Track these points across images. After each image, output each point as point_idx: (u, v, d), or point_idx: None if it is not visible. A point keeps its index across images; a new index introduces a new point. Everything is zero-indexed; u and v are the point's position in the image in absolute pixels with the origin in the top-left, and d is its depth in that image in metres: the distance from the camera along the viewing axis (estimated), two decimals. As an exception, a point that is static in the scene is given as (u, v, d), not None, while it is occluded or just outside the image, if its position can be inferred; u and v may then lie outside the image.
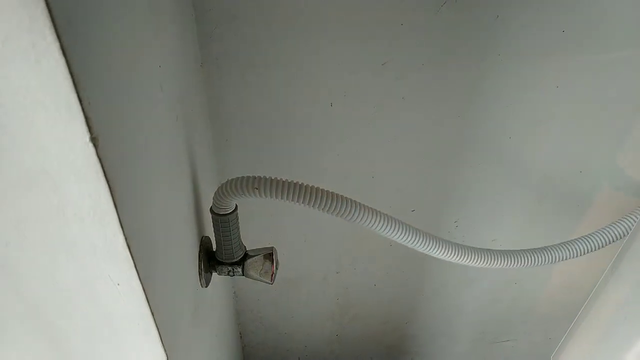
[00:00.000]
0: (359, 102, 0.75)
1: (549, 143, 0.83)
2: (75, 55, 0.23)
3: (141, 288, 0.34)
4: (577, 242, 0.68)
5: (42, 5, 0.21)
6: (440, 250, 0.60)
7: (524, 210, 0.94)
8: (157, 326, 0.37)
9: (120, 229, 0.29)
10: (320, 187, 0.52)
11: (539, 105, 0.78)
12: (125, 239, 0.30)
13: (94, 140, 0.25)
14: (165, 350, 0.40)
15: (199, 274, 0.58)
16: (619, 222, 0.68)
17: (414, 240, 0.57)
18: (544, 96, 0.77)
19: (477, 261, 0.63)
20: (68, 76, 0.23)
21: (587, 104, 0.78)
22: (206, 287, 0.61)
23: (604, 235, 0.68)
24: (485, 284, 1.10)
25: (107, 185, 0.27)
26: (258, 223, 0.91)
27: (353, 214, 0.53)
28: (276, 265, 0.61)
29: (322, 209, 0.52)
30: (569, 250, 0.68)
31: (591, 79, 0.75)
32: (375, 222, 0.54)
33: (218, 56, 0.68)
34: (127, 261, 0.31)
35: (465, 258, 0.62)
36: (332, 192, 0.53)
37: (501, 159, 0.86)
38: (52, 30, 0.21)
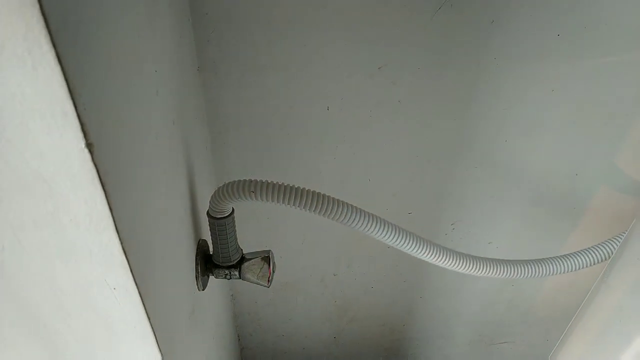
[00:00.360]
0: (356, 105, 0.75)
1: (545, 146, 0.84)
2: (71, 62, 0.23)
3: (137, 292, 0.34)
4: (574, 256, 0.68)
5: (38, 13, 0.21)
6: (435, 256, 0.60)
7: (521, 213, 0.94)
8: (153, 330, 0.38)
9: (116, 234, 0.30)
10: (317, 191, 0.52)
11: (534, 109, 0.78)
12: (121, 243, 0.30)
13: (89, 146, 0.25)
14: (162, 354, 0.40)
15: (196, 278, 0.58)
16: (611, 241, 0.67)
17: (409, 246, 0.57)
18: (540, 99, 0.77)
19: (471, 269, 0.63)
20: (64, 83, 0.23)
21: (583, 107, 0.78)
22: (203, 290, 0.61)
23: (599, 251, 0.67)
24: (482, 286, 1.10)
25: (102, 191, 0.27)
26: (255, 225, 0.91)
27: (349, 218, 0.53)
28: (273, 268, 0.61)
29: (319, 213, 0.52)
30: (564, 265, 0.68)
31: (587, 82, 0.75)
32: (371, 226, 0.54)
33: (215, 60, 0.68)
34: (123, 266, 0.32)
35: (460, 265, 0.62)
36: (328, 196, 0.53)
37: (497, 162, 0.86)
38: (48, 38, 0.22)
